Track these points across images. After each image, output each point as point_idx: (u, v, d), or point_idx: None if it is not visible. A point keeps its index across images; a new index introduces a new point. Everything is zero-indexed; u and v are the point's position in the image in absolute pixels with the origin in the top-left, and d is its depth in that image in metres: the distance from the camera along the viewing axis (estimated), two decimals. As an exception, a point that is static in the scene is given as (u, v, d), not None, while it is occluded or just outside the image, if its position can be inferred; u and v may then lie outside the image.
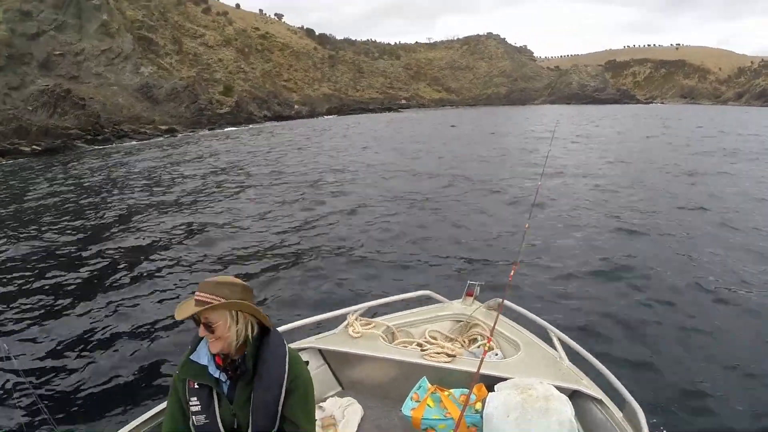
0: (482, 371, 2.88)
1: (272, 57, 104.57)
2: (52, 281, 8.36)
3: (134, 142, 39.99)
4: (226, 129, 53.44)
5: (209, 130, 52.24)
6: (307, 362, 2.14)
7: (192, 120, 54.44)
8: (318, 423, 2.87)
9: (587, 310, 6.80)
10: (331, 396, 3.42)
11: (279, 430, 1.99)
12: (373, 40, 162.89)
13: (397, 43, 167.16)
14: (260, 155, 27.11)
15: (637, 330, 6.20)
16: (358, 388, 3.51)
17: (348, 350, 3.40)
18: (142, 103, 52.35)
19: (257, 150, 29.94)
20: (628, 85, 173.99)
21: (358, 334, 3.53)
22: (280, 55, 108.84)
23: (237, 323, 1.94)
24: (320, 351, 3.53)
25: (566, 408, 2.62)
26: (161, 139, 42.88)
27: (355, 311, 3.79)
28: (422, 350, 3.35)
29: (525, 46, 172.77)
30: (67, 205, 14.96)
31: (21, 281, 8.40)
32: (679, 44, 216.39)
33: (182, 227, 11.61)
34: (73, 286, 8.12)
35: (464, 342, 3.71)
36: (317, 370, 3.43)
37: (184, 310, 1.90)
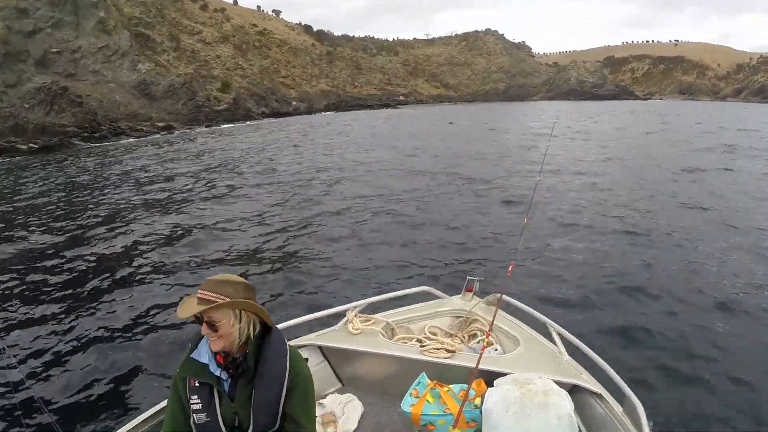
0: (482, 366, 2.88)
1: (270, 53, 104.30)
2: (48, 281, 8.33)
3: (131, 140, 39.81)
4: (223, 126, 53.21)
5: (206, 127, 52.01)
6: (306, 359, 2.14)
7: (189, 117, 54.26)
8: (318, 420, 2.87)
9: (586, 305, 6.83)
10: (331, 393, 3.42)
11: (280, 428, 2.00)
12: (371, 36, 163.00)
13: (395, 39, 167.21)
14: (255, 153, 26.99)
15: (637, 325, 6.22)
16: (357, 385, 3.51)
17: (347, 347, 3.40)
18: (139, 100, 52.17)
19: (253, 147, 29.81)
20: (627, 81, 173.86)
21: (357, 330, 3.53)
22: (277, 51, 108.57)
23: (240, 322, 1.94)
24: (320, 348, 3.52)
25: (565, 402, 2.62)
26: (158, 136, 42.71)
27: (355, 308, 3.79)
28: (422, 346, 3.35)
29: (523, 42, 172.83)
30: (60, 204, 14.88)
31: (17, 281, 8.37)
32: (677, 40, 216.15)
33: (177, 226, 11.56)
34: (70, 286, 8.10)
35: (464, 337, 3.72)
36: (317, 367, 3.42)
37: (187, 308, 1.89)
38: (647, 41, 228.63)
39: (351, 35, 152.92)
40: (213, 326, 1.89)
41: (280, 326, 2.18)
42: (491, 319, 3.33)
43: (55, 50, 48.96)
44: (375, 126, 47.44)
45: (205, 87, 64.71)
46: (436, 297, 4.19)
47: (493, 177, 16.99)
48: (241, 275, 2.09)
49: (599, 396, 2.92)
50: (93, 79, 50.51)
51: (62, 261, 9.34)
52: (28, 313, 7.05)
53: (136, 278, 8.28)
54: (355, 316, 3.69)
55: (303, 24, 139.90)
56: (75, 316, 6.88)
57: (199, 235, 10.79)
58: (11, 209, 14.63)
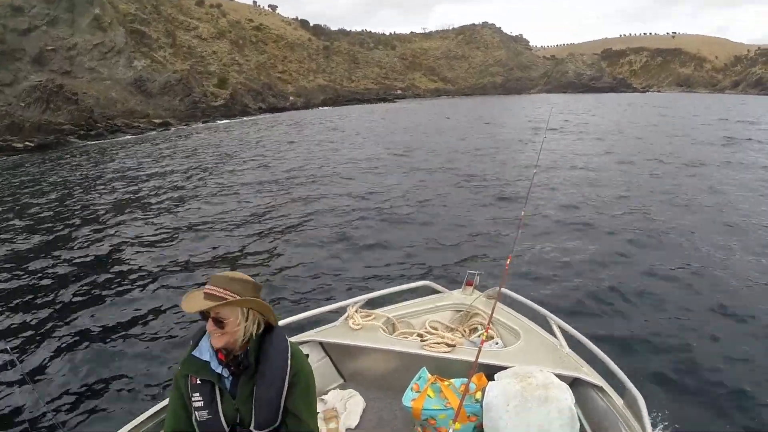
0: (482, 360, 2.89)
1: (267, 49, 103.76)
2: (40, 281, 8.32)
3: (128, 137, 39.67)
4: (220, 122, 52.98)
5: (203, 123, 51.82)
6: (307, 355, 2.14)
7: (186, 113, 54.12)
8: (320, 416, 2.88)
9: (584, 297, 6.85)
10: (333, 388, 3.43)
11: (281, 424, 2.00)
12: (368, 30, 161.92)
13: (392, 33, 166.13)
14: (250, 149, 26.88)
15: (637, 317, 6.25)
16: (359, 380, 3.52)
17: (349, 342, 3.41)
18: (135, 97, 52.00)
19: (248, 144, 29.68)
20: (625, 74, 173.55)
21: (358, 326, 3.54)
22: (274, 46, 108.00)
23: (246, 320, 1.94)
24: (321, 344, 3.53)
25: (566, 396, 2.64)
26: (154, 133, 42.56)
27: (355, 303, 3.79)
28: (422, 341, 3.36)
29: (521, 35, 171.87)
30: (52, 205, 14.76)
31: (15, 281, 8.36)
32: (675, 33, 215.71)
33: (171, 225, 11.51)
34: (67, 285, 8.09)
35: (465, 331, 3.73)
36: (318, 363, 3.43)
37: (195, 303, 1.88)
38: (645, 34, 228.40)
39: (348, 30, 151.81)
40: (220, 323, 1.89)
41: (280, 323, 2.18)
42: (492, 313, 3.34)
43: (50, 48, 48.68)
44: (372, 121, 47.32)
45: (201, 83, 64.47)
46: (437, 291, 4.19)
47: (490, 172, 16.99)
48: (240, 272, 2.09)
49: (600, 389, 2.93)
50: (89, 77, 50.29)
51: (54, 261, 9.28)
52: (27, 312, 7.04)
53: (130, 277, 8.26)
54: (356, 311, 3.69)
55: (299, 19, 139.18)
56: (72, 316, 6.88)
57: (195, 233, 10.75)
58: (4, 209, 14.59)
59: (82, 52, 51.49)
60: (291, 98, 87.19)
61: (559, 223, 10.57)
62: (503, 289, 3.70)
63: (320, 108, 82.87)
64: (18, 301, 7.47)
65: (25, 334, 6.36)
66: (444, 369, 3.16)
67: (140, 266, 8.77)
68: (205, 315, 1.90)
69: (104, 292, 7.65)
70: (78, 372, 5.41)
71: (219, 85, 68.60)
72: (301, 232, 10.54)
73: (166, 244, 10.05)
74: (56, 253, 9.77)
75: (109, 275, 8.40)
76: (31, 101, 38.51)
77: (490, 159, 20.06)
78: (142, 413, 2.57)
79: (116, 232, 11.15)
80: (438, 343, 3.28)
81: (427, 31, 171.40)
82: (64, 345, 6.03)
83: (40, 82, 40.41)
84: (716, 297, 6.75)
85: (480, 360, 2.83)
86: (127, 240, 10.46)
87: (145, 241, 10.32)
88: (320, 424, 2.87)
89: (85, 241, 10.54)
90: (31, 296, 7.62)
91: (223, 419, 1.95)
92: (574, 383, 2.96)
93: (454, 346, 3.27)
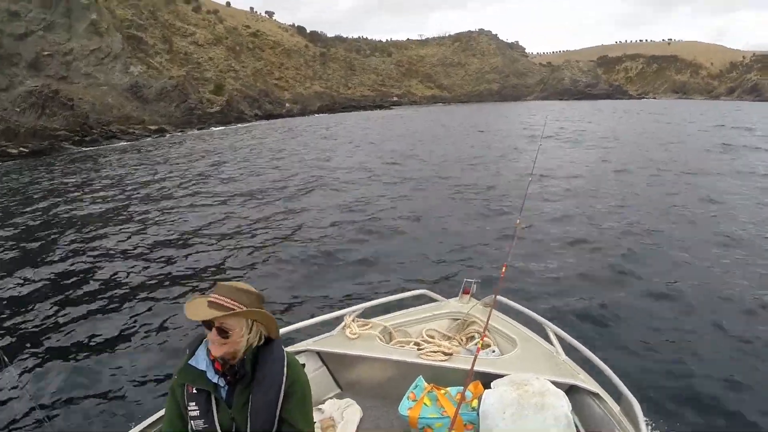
0: (479, 368, 2.90)
1: (263, 55, 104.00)
2: (38, 287, 8.29)
3: (123, 143, 39.57)
4: (215, 128, 52.84)
5: (198, 129, 51.68)
6: (303, 365, 2.14)
7: (182, 119, 54.06)
8: (317, 425, 2.88)
9: (582, 305, 6.87)
10: (330, 398, 3.43)
11: (277, 432, 2.00)
12: (365, 37, 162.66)
13: (389, 40, 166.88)
14: (242, 157, 26.72)
15: (632, 324, 6.28)
16: (356, 389, 3.51)
17: (346, 352, 3.41)
18: (131, 103, 51.94)
19: (240, 152, 29.45)
20: (621, 81, 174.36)
21: (355, 335, 3.53)
22: (271, 53, 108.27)
23: (250, 332, 1.95)
24: (318, 353, 3.53)
25: (562, 403, 2.64)
26: (149, 139, 42.41)
27: (352, 312, 3.79)
28: (419, 349, 3.36)
29: (517, 42, 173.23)
30: (37, 213, 14.60)
31: (7, 288, 8.31)
32: (670, 39, 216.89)
33: (160, 234, 11.40)
34: (56, 294, 8.05)
35: (462, 340, 3.73)
36: (315, 373, 3.43)
37: (199, 311, 1.87)
38: (640, 40, 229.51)
39: (344, 36, 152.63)
40: (225, 333, 1.88)
41: (277, 332, 2.18)
42: (488, 321, 3.35)
43: (47, 53, 48.62)
44: (367, 128, 47.30)
45: (197, 89, 64.47)
46: (434, 300, 4.20)
47: (485, 180, 16.99)
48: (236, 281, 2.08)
49: (597, 395, 2.94)
50: (85, 82, 50.25)
51: (43, 270, 9.16)
52: (20, 320, 7.00)
53: (118, 286, 8.21)
54: (353, 320, 3.69)
55: (296, 25, 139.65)
56: (70, 324, 6.84)
57: (185, 243, 10.67)
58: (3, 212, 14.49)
59: (79, 57, 51.45)
60: (287, 105, 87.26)
61: (554, 231, 10.59)
62: (500, 297, 3.72)
63: (316, 115, 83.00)
64: (8, 309, 7.41)
65: (18, 343, 6.31)
66: (441, 377, 3.16)
67: (128, 275, 8.71)
68: (208, 324, 1.89)
69: (94, 301, 7.61)
70: (73, 382, 5.36)
71: (215, 92, 68.63)
72: (295, 242, 10.48)
73: (154, 254, 9.93)
74: (44, 262, 9.67)
75: (96, 284, 8.32)
76: (26, 106, 38.42)
77: (486, 167, 20.05)
78: (138, 424, 2.56)
79: (101, 241, 11.01)
80: (435, 352, 3.28)
81: (423, 38, 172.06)
82: (56, 355, 5.98)
83: (35, 87, 40.34)
84: (712, 305, 6.77)
85: (477, 368, 2.84)
86: (115, 249, 10.36)
87: (133, 250, 10.22)
88: (317, 433, 2.87)
89: (71, 250, 10.38)
90: (16, 306, 7.53)
91: (219, 428, 1.94)
92: (571, 390, 2.97)
93: (450, 354, 3.27)
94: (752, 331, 6.00)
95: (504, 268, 3.71)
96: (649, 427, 2.56)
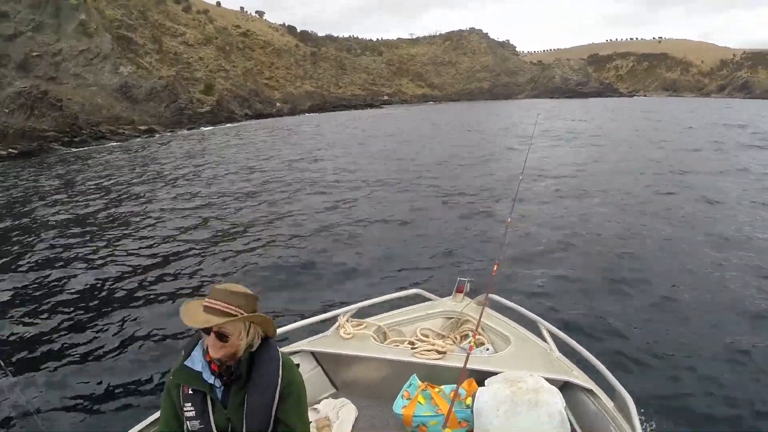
0: (473, 366, 2.92)
1: (253, 55, 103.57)
2: (23, 291, 8.21)
3: (112, 144, 39.11)
4: (204, 128, 52.31)
5: (188, 129, 51.17)
6: (298, 365, 2.15)
7: (172, 119, 53.64)
8: (312, 425, 2.88)
9: (575, 302, 6.92)
10: (325, 398, 3.43)
11: (272, 433, 2.00)
12: (355, 36, 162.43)
13: (379, 39, 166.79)
14: (232, 156, 26.50)
15: (626, 321, 6.32)
16: (351, 389, 3.52)
17: (340, 352, 3.42)
18: (121, 103, 51.53)
19: (229, 152, 29.12)
20: (611, 79, 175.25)
21: (349, 335, 3.54)
22: (261, 52, 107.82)
23: (248, 335, 1.95)
24: (313, 353, 3.53)
25: (556, 399, 2.66)
26: (139, 139, 41.96)
27: (346, 313, 3.80)
28: (413, 348, 3.37)
29: (507, 40, 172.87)
30: (34, 212, 14.52)
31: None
32: (661, 38, 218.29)
33: (151, 236, 11.27)
34: (59, 295, 8.02)
35: (456, 338, 3.75)
36: (310, 373, 3.44)
37: (197, 317, 1.87)
38: (631, 39, 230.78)
39: (335, 36, 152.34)
40: (224, 337, 1.88)
41: (271, 333, 2.18)
42: (481, 320, 3.37)
43: (36, 54, 48.13)
44: (357, 128, 47.08)
45: (187, 89, 64.00)
46: (427, 299, 4.21)
47: (476, 180, 17.01)
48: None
49: (591, 392, 2.96)
50: (74, 83, 49.78)
51: (29, 275, 9.03)
52: (15, 325, 6.94)
53: (114, 288, 8.17)
54: (347, 320, 3.69)
55: (286, 25, 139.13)
56: (65, 326, 6.81)
57: (176, 244, 10.58)
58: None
59: (68, 57, 50.98)
60: (278, 104, 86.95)
61: (546, 230, 10.65)
62: (494, 296, 3.74)
63: (307, 114, 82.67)
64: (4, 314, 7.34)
65: (13, 345, 6.28)
66: (435, 376, 3.18)
67: (120, 276, 8.65)
68: (206, 329, 1.89)
69: (87, 303, 7.57)
70: (68, 385, 5.34)
71: (205, 92, 68.19)
72: (286, 243, 10.41)
73: (144, 255, 9.84)
74: (29, 265, 9.58)
75: (87, 287, 8.25)
76: (15, 107, 38.01)
77: (476, 167, 20.04)
78: (134, 426, 2.56)
79: (89, 243, 10.88)
80: (428, 351, 3.30)
81: (414, 37, 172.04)
82: (50, 358, 5.95)
83: (24, 88, 39.91)
84: (706, 304, 6.83)
85: (471, 366, 2.85)
86: (104, 250, 10.26)
87: (122, 252, 10.12)
88: (312, 432, 2.87)
89: (58, 253, 10.24)
90: (10, 310, 7.47)
91: (214, 429, 1.95)
92: (565, 387, 3.00)
93: (444, 353, 3.29)
94: (746, 328, 6.07)
95: (496, 266, 3.74)
96: (643, 424, 2.58)
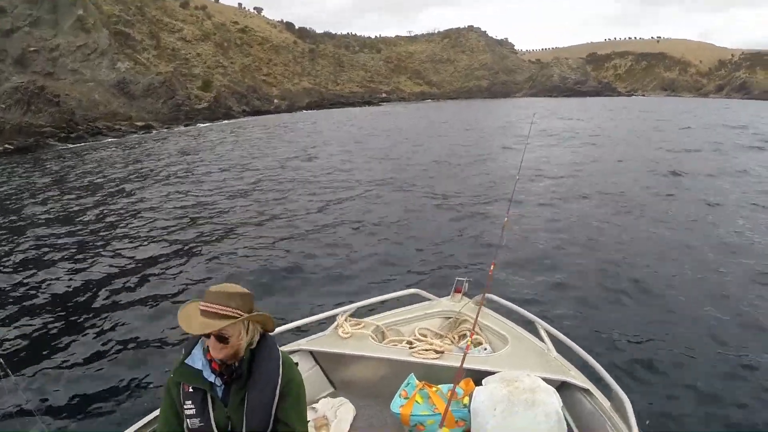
0: (470, 366, 2.93)
1: (251, 51, 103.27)
2: (31, 291, 8.17)
3: (109, 140, 38.88)
4: (201, 125, 52.07)
5: (185, 126, 50.94)
6: (297, 364, 2.17)
7: (169, 116, 53.46)
8: (311, 424, 2.90)
9: (573, 302, 6.93)
10: (324, 397, 3.45)
11: (272, 432, 2.02)
12: (353, 33, 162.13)
13: (378, 36, 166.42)
14: (227, 154, 26.33)
15: (623, 320, 6.35)
16: (349, 388, 3.54)
17: (338, 351, 3.43)
18: (118, 99, 51.38)
19: (225, 149, 28.96)
20: (610, 78, 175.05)
21: (347, 334, 3.55)
22: (259, 49, 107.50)
23: (248, 334, 1.96)
24: (311, 353, 3.54)
25: (553, 399, 2.67)
26: (136, 136, 41.78)
27: (345, 312, 3.81)
28: (411, 348, 3.39)
29: (506, 39, 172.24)
30: (32, 207, 14.47)
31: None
32: (659, 37, 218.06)
33: (144, 235, 11.21)
34: (56, 295, 8.00)
35: (454, 338, 3.76)
36: (309, 372, 3.45)
37: (195, 322, 1.87)
38: (630, 38, 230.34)
39: (333, 33, 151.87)
40: (224, 339, 1.88)
41: (270, 333, 2.19)
42: (479, 320, 3.39)
43: (33, 49, 47.95)
44: (354, 125, 46.94)
45: (185, 85, 63.84)
46: (426, 299, 4.22)
47: (474, 179, 16.98)
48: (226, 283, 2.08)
49: (587, 392, 2.98)
50: (72, 78, 49.61)
51: (27, 274, 8.98)
52: (15, 323, 6.92)
53: (112, 286, 8.15)
54: (345, 320, 3.71)
55: (285, 21, 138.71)
56: (63, 326, 6.80)
57: (170, 243, 10.52)
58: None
59: (65, 53, 50.81)
60: (275, 101, 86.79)
61: (543, 229, 10.66)
62: (492, 296, 3.76)
63: (304, 111, 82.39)
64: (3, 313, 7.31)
65: (13, 344, 6.27)
66: (433, 375, 3.20)
67: (118, 274, 8.64)
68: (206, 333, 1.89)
69: (87, 301, 7.58)
70: (70, 382, 5.35)
71: (203, 88, 68.01)
72: (288, 242, 10.36)
73: (139, 253, 9.80)
74: (25, 265, 9.55)
75: (86, 285, 8.24)
76: (12, 103, 37.88)
77: (473, 166, 19.98)
78: (133, 424, 2.57)
79: (84, 241, 10.83)
80: (426, 350, 3.31)
81: (412, 34, 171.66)
82: (53, 355, 5.95)
83: (21, 83, 39.78)
84: (705, 303, 6.84)
85: (468, 366, 2.87)
86: (101, 248, 10.22)
87: (120, 249, 10.09)
88: None
89: (53, 252, 10.16)
90: (9, 312, 7.42)
91: (214, 427, 1.96)
92: (562, 387, 3.02)
93: (442, 352, 3.31)
94: (744, 332, 6.08)
95: (492, 266, 3.75)
96: (640, 423, 2.59)
